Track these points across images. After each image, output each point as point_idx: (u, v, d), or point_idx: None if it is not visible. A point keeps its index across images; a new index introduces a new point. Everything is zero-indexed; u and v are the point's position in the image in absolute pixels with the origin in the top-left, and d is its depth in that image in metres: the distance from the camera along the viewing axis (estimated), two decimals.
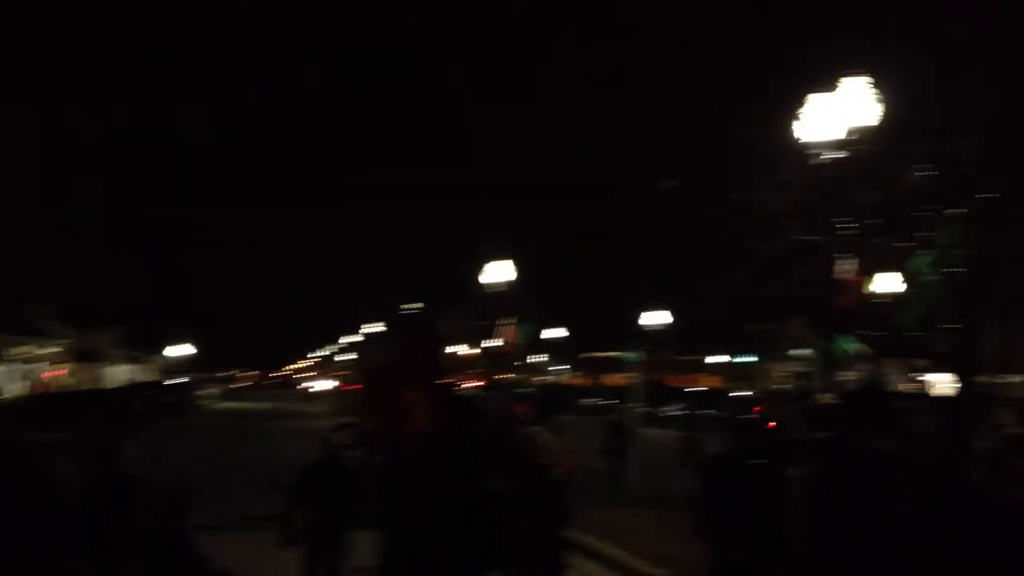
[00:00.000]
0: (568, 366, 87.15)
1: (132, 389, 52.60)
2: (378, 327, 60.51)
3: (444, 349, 6.66)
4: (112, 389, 55.36)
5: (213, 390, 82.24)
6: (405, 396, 4.27)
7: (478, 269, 28.49)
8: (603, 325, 71.60)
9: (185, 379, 77.25)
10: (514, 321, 29.20)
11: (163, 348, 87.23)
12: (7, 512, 5.18)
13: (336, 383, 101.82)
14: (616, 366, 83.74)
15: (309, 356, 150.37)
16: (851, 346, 16.93)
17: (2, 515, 5.15)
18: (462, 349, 52.88)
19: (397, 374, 4.49)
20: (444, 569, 4.26)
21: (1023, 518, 4.68)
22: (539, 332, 44.58)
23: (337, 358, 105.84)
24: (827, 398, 12.70)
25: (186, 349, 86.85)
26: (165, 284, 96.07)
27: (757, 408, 12.12)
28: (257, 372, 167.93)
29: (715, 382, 73.21)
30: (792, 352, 50.91)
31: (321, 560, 8.77)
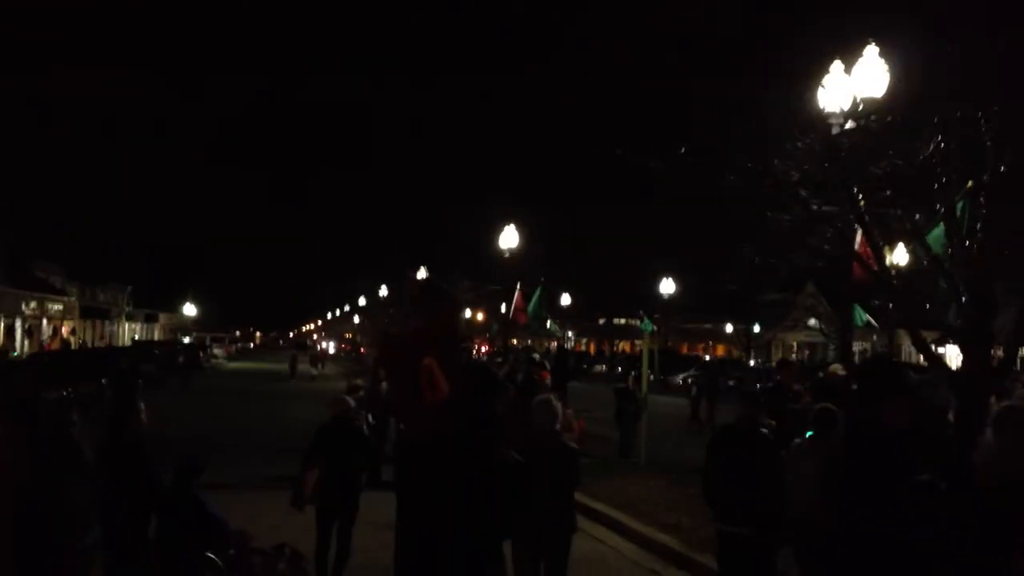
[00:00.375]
0: (572, 333, 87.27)
1: (143, 348, 52.87)
2: (385, 290, 60.64)
3: (462, 316, 6.65)
4: (123, 348, 55.69)
5: (224, 350, 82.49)
6: (427, 363, 4.23)
7: (489, 234, 28.50)
8: (615, 293, 71.82)
9: (196, 339, 77.59)
10: (524, 287, 29.19)
11: (174, 307, 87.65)
12: (36, 472, 5.23)
13: (343, 345, 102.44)
14: (628, 333, 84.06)
15: (319, 319, 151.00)
16: (864, 317, 16.97)
17: (34, 475, 5.20)
18: (473, 314, 53.05)
19: (418, 341, 4.45)
20: (464, 536, 4.29)
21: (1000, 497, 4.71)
22: (551, 298, 44.57)
23: (348, 320, 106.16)
24: (839, 369, 12.71)
25: (196, 309, 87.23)
26: (178, 244, 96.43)
27: (780, 378, 12.09)
28: (263, 334, 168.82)
29: (728, 351, 73.38)
30: (806, 322, 50.80)
31: (333, 519, 8.90)
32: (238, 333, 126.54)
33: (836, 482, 4.73)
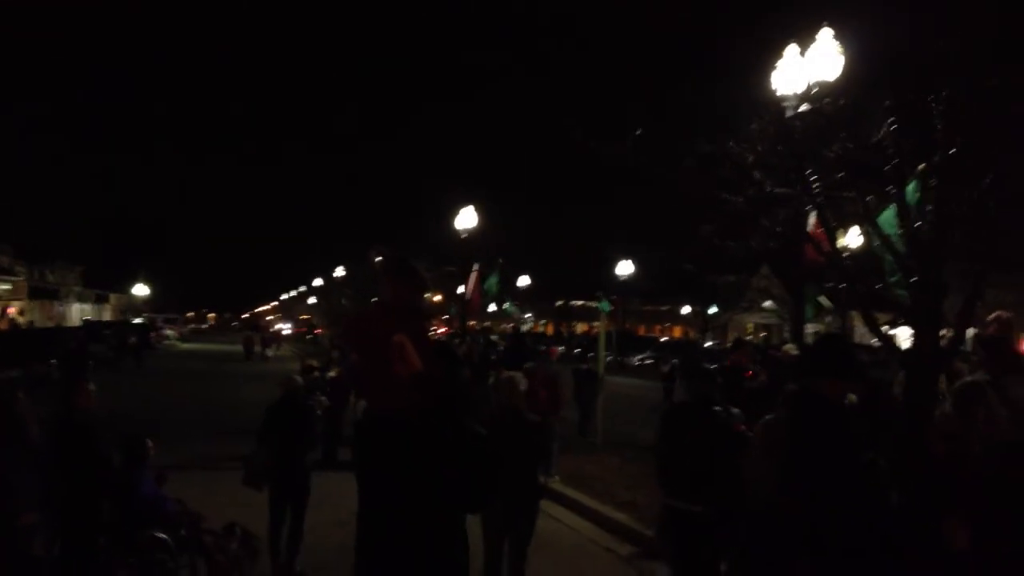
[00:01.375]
0: (531, 315, 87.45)
1: (92, 328, 52.15)
2: (341, 271, 60.28)
3: (427, 291, 6.64)
4: (72, 328, 54.89)
5: (176, 331, 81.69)
6: (398, 339, 4.21)
7: (446, 215, 28.36)
8: (574, 274, 72.16)
9: (148, 319, 76.72)
10: (481, 269, 29.12)
11: (125, 287, 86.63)
12: None
13: (298, 326, 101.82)
14: (584, 315, 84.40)
15: (274, 300, 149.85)
16: (818, 299, 17.12)
17: None
18: (429, 296, 52.88)
19: (386, 318, 4.43)
20: (432, 512, 4.29)
21: (947, 471, 4.80)
22: (508, 280, 44.59)
23: (302, 302, 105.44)
24: (792, 349, 12.84)
25: (148, 289, 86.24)
26: (129, 224, 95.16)
27: (734, 358, 12.20)
28: (216, 315, 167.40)
29: (685, 332, 74.00)
30: (761, 304, 51.32)
31: (286, 498, 8.86)
32: (191, 314, 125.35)
33: (784, 457, 4.78)
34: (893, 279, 9.30)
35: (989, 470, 4.78)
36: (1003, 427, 5.21)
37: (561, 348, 32.51)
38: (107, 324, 60.65)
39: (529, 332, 74.97)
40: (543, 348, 21.39)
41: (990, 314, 8.22)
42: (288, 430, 8.98)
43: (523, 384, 7.85)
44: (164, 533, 7.19)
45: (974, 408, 5.20)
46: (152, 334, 60.01)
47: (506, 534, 7.54)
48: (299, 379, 9.81)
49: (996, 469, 4.75)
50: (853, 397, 7.24)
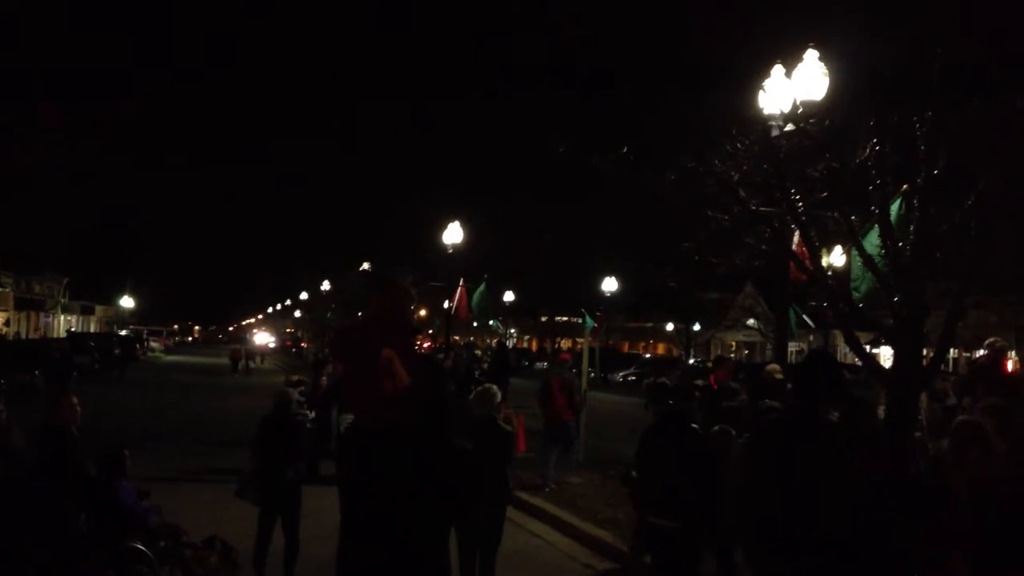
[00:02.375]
0: (515, 330, 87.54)
1: (77, 340, 51.84)
2: (326, 285, 60.24)
3: (412, 304, 6.65)
4: (56, 339, 54.56)
5: (162, 343, 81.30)
6: (387, 354, 4.23)
7: (430, 231, 28.46)
8: (558, 290, 72.21)
9: (133, 332, 76.41)
10: (467, 284, 29.16)
11: (111, 299, 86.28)
12: None
13: (283, 340, 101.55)
14: (568, 331, 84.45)
15: (258, 313, 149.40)
16: (799, 320, 17.28)
17: None
18: (415, 310, 52.68)
19: (374, 331, 4.45)
20: (415, 524, 4.29)
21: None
22: (492, 295, 44.61)
23: (288, 315, 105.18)
24: (776, 368, 12.86)
25: (134, 302, 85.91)
26: (116, 236, 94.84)
27: (717, 375, 12.24)
28: (202, 328, 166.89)
29: (669, 349, 74.08)
30: (745, 322, 51.50)
31: (275, 513, 8.78)
32: (176, 327, 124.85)
33: (765, 475, 4.79)
34: (859, 291, 9.40)
35: (979, 510, 4.81)
36: (999, 464, 5.21)
37: (544, 364, 32.60)
38: (92, 336, 60.28)
39: (513, 348, 75.01)
40: (553, 354, 21.53)
41: (972, 334, 8.30)
42: (278, 443, 8.93)
43: (498, 395, 8.31)
44: (143, 545, 7.15)
45: (969, 447, 5.24)
46: (137, 346, 59.74)
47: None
48: (293, 392, 9.77)
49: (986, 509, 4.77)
50: (835, 415, 7.28)
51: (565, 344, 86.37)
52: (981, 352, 8.48)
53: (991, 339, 9.12)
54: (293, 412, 9.49)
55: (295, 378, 16.12)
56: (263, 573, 8.65)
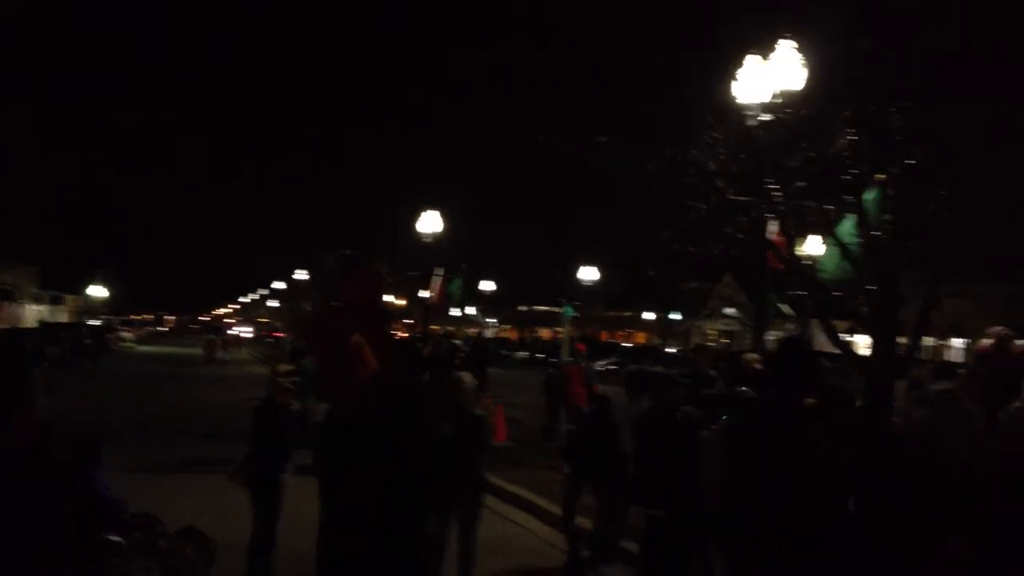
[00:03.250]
0: (494, 320, 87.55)
1: (48, 330, 51.42)
2: (303, 274, 59.99)
3: (384, 287, 6.63)
4: (28, 329, 54.08)
5: (134, 333, 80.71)
6: (356, 340, 4.21)
7: (408, 219, 28.34)
8: (537, 280, 72.18)
9: (105, 321, 75.83)
10: (445, 273, 29.13)
11: (81, 289, 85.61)
12: None
13: (259, 329, 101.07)
14: (548, 320, 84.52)
15: (235, 302, 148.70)
16: (778, 308, 17.36)
17: None
18: (392, 299, 52.68)
19: (345, 318, 4.43)
20: (392, 514, 4.27)
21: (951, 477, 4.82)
22: (471, 285, 44.54)
23: (263, 305, 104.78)
24: (754, 357, 12.90)
25: (105, 291, 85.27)
26: (86, 224, 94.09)
27: (695, 363, 12.27)
28: (175, 318, 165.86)
29: (648, 338, 74.27)
30: (724, 311, 51.74)
31: (263, 502, 8.71)
32: (149, 316, 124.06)
33: (742, 464, 4.81)
34: (825, 272, 9.49)
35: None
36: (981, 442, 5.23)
37: (524, 353, 32.61)
38: (63, 326, 59.79)
39: (493, 337, 75.03)
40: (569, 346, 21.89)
41: (948, 323, 8.37)
42: (273, 434, 8.86)
43: (470, 382, 8.49)
44: (118, 536, 7.09)
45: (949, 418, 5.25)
46: (109, 336, 59.31)
47: (454, 521, 7.89)
48: (285, 382, 9.69)
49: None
50: (811, 401, 7.32)
51: (545, 334, 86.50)
52: (987, 341, 8.56)
53: (996, 328, 9.23)
54: (287, 402, 9.43)
55: (285, 368, 15.86)
56: (257, 563, 8.62)
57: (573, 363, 17.28)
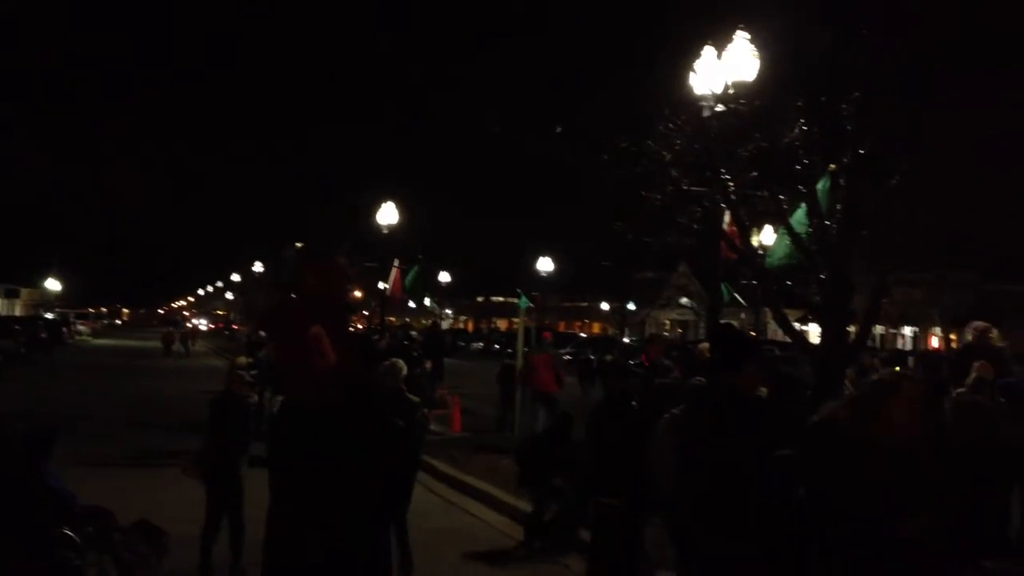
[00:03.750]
0: (450, 311, 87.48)
1: (2, 323, 50.59)
2: (259, 266, 59.62)
3: (344, 280, 6.61)
4: None
5: (89, 326, 79.57)
6: (315, 331, 4.20)
7: (365, 210, 28.24)
8: (493, 271, 72.22)
9: (60, 315, 74.75)
10: (401, 264, 29.03)
11: (36, 282, 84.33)
12: None
13: (217, 323, 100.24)
14: (504, 311, 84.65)
15: (190, 295, 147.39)
16: (730, 296, 17.55)
17: None
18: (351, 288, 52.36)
19: (304, 309, 4.42)
20: (347, 503, 4.27)
21: (898, 456, 4.88)
22: (428, 276, 44.46)
23: (219, 297, 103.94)
24: (707, 346, 13.03)
25: (60, 284, 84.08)
26: (40, 217, 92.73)
27: (649, 353, 12.37)
28: (131, 311, 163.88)
29: (604, 329, 74.60)
30: (679, 300, 52.10)
31: (225, 495, 8.63)
32: (104, 309, 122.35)
33: (694, 453, 4.86)
34: (772, 258, 9.62)
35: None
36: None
37: (480, 344, 32.65)
38: (17, 319, 58.83)
39: (450, 328, 74.97)
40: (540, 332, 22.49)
41: (898, 311, 8.50)
42: (228, 425, 8.77)
43: (404, 369, 8.55)
44: (71, 530, 7.02)
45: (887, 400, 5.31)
46: (64, 329, 58.49)
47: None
48: (245, 374, 9.61)
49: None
50: (764, 391, 7.41)
51: (502, 324, 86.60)
52: (968, 335, 8.94)
53: (976, 322, 9.54)
54: (244, 394, 9.36)
55: (245, 360, 15.70)
56: (210, 555, 8.53)
57: (540, 350, 17.66)
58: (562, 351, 52.34)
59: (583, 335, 66.53)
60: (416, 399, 8.72)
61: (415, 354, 19.81)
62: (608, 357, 13.33)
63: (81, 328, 72.33)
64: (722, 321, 13.29)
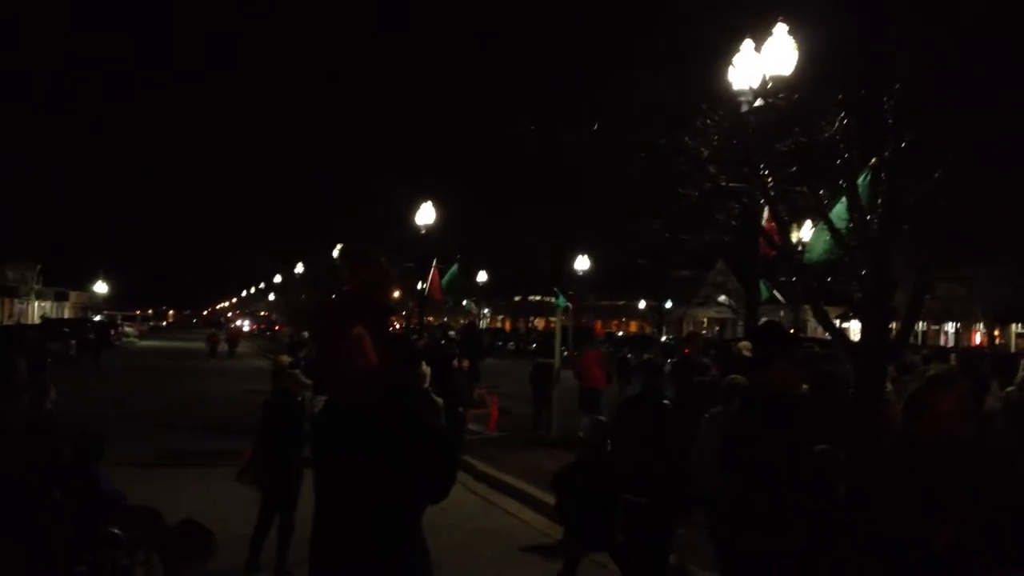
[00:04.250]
0: (487, 310, 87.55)
1: (51, 326, 51.35)
2: (300, 267, 60.01)
3: (388, 283, 6.63)
4: (30, 325, 54.03)
5: (136, 328, 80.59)
6: (357, 332, 4.23)
7: (403, 212, 28.35)
8: (530, 270, 72.13)
9: (107, 317, 75.78)
10: (439, 265, 29.11)
11: (84, 285, 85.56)
12: None
13: (257, 323, 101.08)
14: (541, 310, 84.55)
15: (233, 296, 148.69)
16: (768, 293, 17.42)
17: None
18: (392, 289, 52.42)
19: (347, 309, 4.45)
20: (384, 505, 4.29)
21: (936, 456, 4.81)
22: (466, 276, 44.56)
23: (261, 298, 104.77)
24: (747, 345, 12.95)
25: (107, 286, 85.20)
26: (85, 220, 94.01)
27: (687, 351, 12.33)
28: (176, 312, 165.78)
29: (641, 327, 74.33)
30: (717, 298, 51.70)
31: (278, 497, 8.73)
32: (150, 311, 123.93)
33: (732, 448, 4.84)
34: (811, 254, 9.52)
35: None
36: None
37: (520, 344, 32.71)
38: (66, 322, 59.72)
39: (486, 328, 75.03)
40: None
41: (941, 307, 8.40)
42: (281, 426, 8.84)
43: (427, 372, 8.48)
44: (119, 529, 7.12)
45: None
46: (111, 332, 59.29)
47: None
48: (298, 373, 9.69)
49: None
50: (805, 387, 7.36)
51: (539, 324, 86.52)
52: None
53: None
54: (295, 393, 9.43)
55: (288, 360, 15.77)
56: (259, 554, 8.65)
57: (591, 346, 18.42)
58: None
59: (620, 333, 66.35)
60: (440, 401, 8.62)
61: (457, 354, 19.88)
62: (646, 356, 13.33)
63: (128, 330, 73.30)
64: (763, 319, 13.21)
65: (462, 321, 67.38)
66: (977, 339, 45.52)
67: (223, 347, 52.81)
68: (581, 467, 7.94)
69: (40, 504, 5.66)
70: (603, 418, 8.53)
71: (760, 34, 10.12)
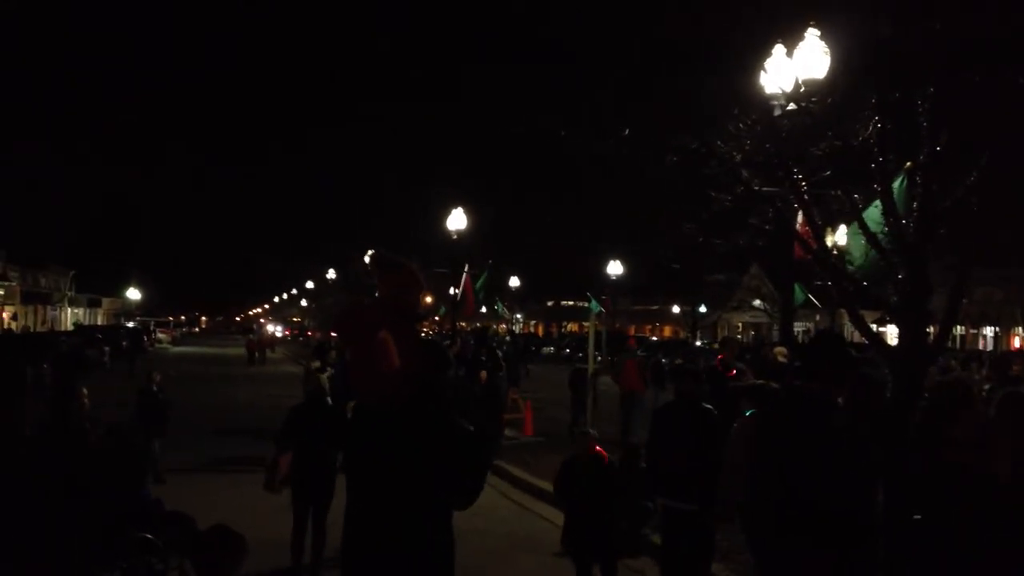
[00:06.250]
0: (521, 315, 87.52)
1: (85, 332, 52.00)
2: (332, 273, 60.36)
3: (418, 287, 6.62)
4: (65, 332, 54.78)
5: (169, 334, 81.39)
6: (382, 336, 4.26)
7: (435, 217, 28.44)
8: (563, 275, 72.12)
9: (140, 323, 76.55)
10: (471, 270, 29.15)
11: (117, 291, 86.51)
12: None
13: (288, 328, 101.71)
14: (575, 315, 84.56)
15: (265, 302, 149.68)
16: (803, 296, 17.30)
17: None
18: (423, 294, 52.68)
19: (375, 313, 4.48)
20: (416, 508, 4.31)
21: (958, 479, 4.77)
22: (498, 281, 44.61)
23: (294, 304, 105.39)
24: (781, 351, 12.85)
25: (140, 293, 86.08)
26: (119, 228, 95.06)
27: (720, 356, 12.25)
28: (209, 318, 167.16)
29: (675, 332, 74.13)
30: (751, 303, 51.39)
31: (308, 502, 8.78)
32: (183, 317, 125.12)
33: (772, 456, 4.79)
34: (852, 264, 9.43)
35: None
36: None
37: (551, 348, 32.65)
38: (100, 328, 60.46)
39: (521, 333, 75.06)
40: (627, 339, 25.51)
41: (978, 310, 8.30)
42: (313, 432, 8.86)
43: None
44: (153, 535, 7.18)
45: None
46: (145, 338, 59.93)
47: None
48: (324, 377, 9.72)
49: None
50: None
51: (572, 327, 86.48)
52: None
53: None
54: (325, 398, 9.46)
55: (318, 364, 15.82)
56: (301, 559, 8.69)
57: (630, 355, 19.59)
58: None
59: (654, 338, 66.16)
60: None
61: (502, 357, 19.83)
62: (678, 361, 13.33)
63: (161, 336, 74.00)
64: (822, 329, 13.13)
65: (494, 326, 67.47)
66: (1016, 343, 44.95)
67: (259, 352, 53.12)
68: (582, 471, 7.87)
69: (50, 509, 5.71)
70: (594, 432, 8.41)
71: (792, 37, 10.06)
